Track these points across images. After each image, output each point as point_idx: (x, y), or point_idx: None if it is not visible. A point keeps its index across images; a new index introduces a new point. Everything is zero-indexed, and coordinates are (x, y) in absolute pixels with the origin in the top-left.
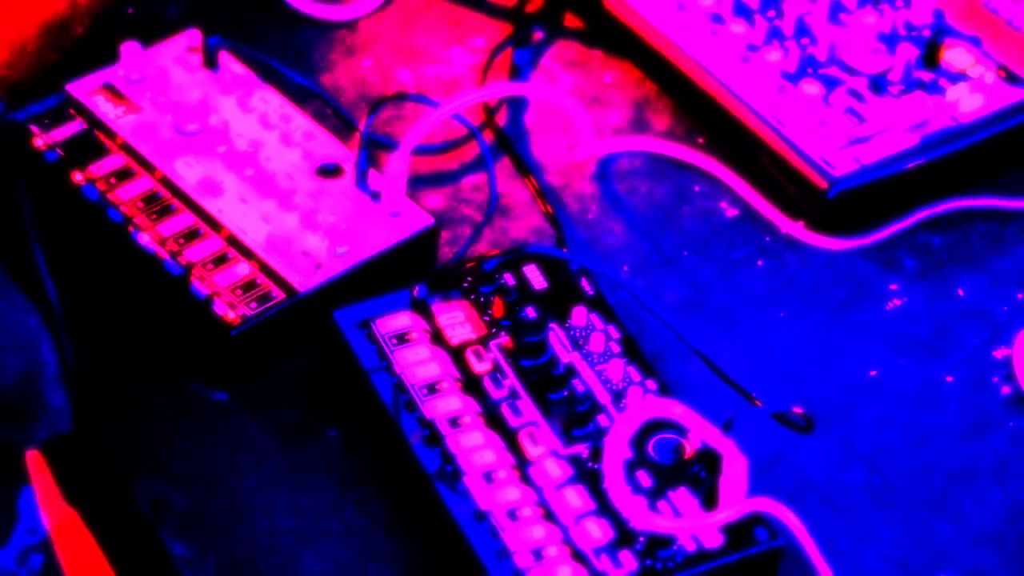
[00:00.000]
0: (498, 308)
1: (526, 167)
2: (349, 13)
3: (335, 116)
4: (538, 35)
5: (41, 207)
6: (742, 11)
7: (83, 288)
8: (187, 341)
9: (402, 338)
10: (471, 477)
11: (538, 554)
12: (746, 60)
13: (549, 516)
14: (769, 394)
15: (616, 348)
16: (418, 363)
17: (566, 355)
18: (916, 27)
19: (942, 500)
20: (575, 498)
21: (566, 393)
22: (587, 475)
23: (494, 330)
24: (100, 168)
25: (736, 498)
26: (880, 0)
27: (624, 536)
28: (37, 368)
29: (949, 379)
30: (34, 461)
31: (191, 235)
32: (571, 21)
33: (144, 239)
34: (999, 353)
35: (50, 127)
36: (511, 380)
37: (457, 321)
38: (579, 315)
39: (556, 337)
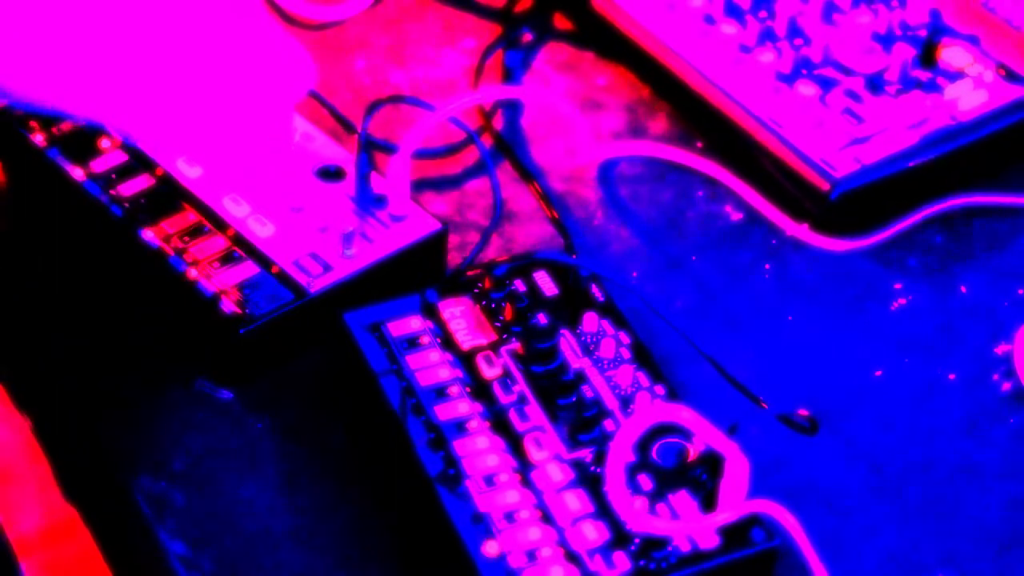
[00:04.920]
0: (509, 314)
1: (529, 172)
2: (336, 14)
3: (332, 118)
4: (528, 36)
5: (42, 205)
6: (733, 12)
7: (85, 286)
8: (193, 339)
9: (413, 342)
10: (473, 480)
11: (532, 555)
12: (739, 62)
13: (547, 519)
14: (775, 396)
15: (626, 354)
16: (428, 367)
17: (576, 361)
18: (912, 27)
19: (943, 498)
20: (574, 501)
21: (574, 399)
22: (588, 479)
23: (505, 336)
24: (100, 164)
25: (736, 500)
26: (874, 0)
27: (620, 538)
28: None
29: (952, 376)
30: (33, 457)
31: (196, 232)
32: (561, 22)
33: (148, 235)
34: (1000, 349)
35: (49, 124)
36: (520, 386)
37: (468, 326)
38: (590, 321)
39: (567, 343)
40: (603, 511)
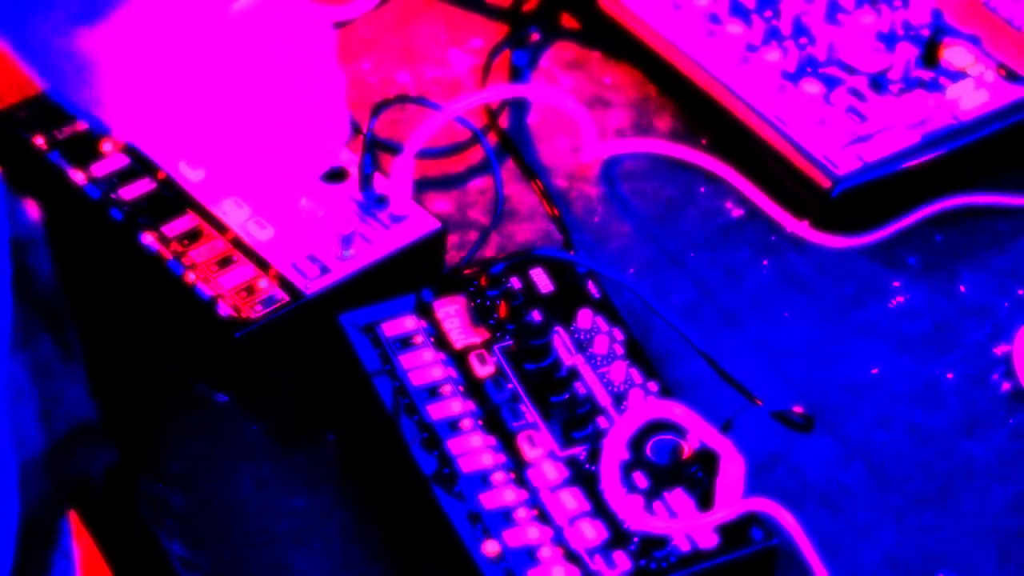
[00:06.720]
0: (503, 312)
1: (531, 170)
2: (343, 14)
3: None
4: (535, 36)
5: (44, 208)
6: (739, 11)
7: (84, 289)
8: (190, 342)
9: (406, 342)
10: (468, 479)
11: (532, 555)
12: (745, 60)
13: (544, 517)
14: (771, 393)
15: (620, 350)
16: (421, 367)
17: (569, 358)
18: (914, 26)
19: (941, 498)
20: (570, 500)
21: (567, 396)
22: (583, 477)
23: (498, 334)
24: (101, 168)
25: (732, 498)
26: (877, 0)
27: (618, 537)
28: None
29: (950, 376)
30: None
31: (195, 236)
32: (567, 21)
33: (147, 239)
34: (999, 350)
35: (51, 127)
36: (513, 384)
37: (462, 325)
38: (584, 318)
39: (560, 340)
40: (600, 510)
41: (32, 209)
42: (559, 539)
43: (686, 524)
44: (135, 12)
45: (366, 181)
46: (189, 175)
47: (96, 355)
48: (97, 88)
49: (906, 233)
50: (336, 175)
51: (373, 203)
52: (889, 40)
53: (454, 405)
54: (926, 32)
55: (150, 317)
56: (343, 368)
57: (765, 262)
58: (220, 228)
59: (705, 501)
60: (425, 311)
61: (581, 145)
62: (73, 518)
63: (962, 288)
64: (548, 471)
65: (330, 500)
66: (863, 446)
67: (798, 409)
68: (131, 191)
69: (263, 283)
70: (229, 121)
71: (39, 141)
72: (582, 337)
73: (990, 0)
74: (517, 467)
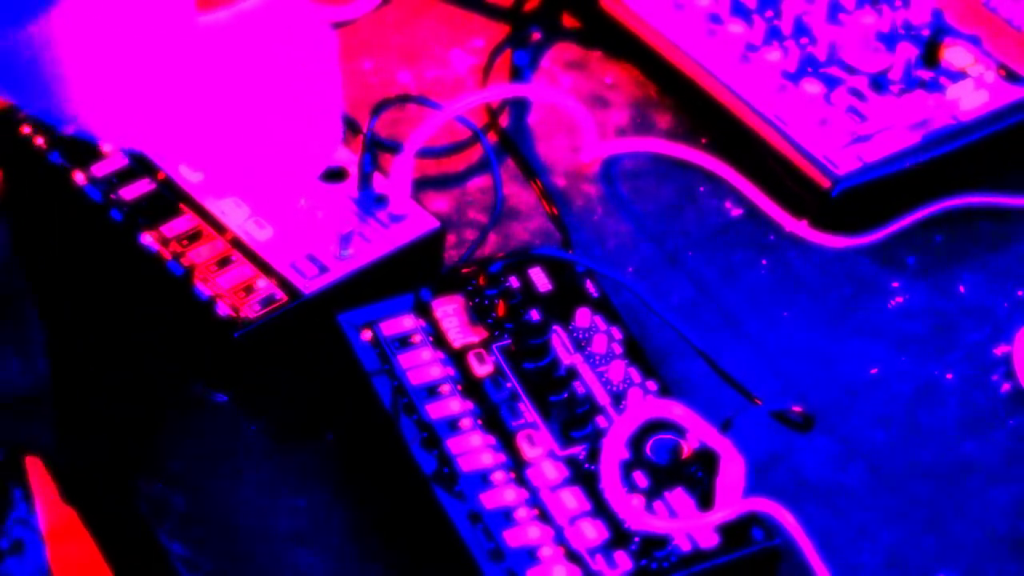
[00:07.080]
0: (502, 311)
1: (531, 169)
2: (345, 14)
3: None
4: (536, 36)
5: (44, 208)
6: (740, 11)
7: (83, 289)
8: (189, 342)
9: (404, 341)
10: (468, 479)
11: (533, 555)
12: (746, 60)
13: (544, 517)
14: (770, 393)
15: (618, 349)
16: (419, 366)
17: (568, 357)
18: (915, 26)
19: (941, 498)
20: (571, 499)
21: (566, 395)
22: (583, 476)
23: (497, 333)
24: (102, 169)
25: (733, 498)
26: (878, 0)
27: (619, 536)
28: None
29: (949, 376)
30: (32, 461)
31: (194, 236)
32: (569, 21)
33: (147, 240)
34: (999, 350)
35: (51, 127)
36: (512, 383)
37: (460, 324)
38: (583, 317)
39: (559, 339)
40: (600, 509)
41: None
42: (560, 539)
43: (687, 524)
44: (73, 10)
45: (365, 180)
46: (189, 175)
47: (96, 355)
48: (60, 90)
49: (906, 233)
50: (335, 175)
51: (372, 202)
52: (889, 40)
53: (453, 404)
54: (926, 32)
55: (150, 317)
56: (342, 368)
57: (764, 262)
58: (219, 228)
59: (705, 501)
60: (423, 310)
61: (581, 144)
62: (73, 517)
63: (962, 288)
64: (548, 470)
65: (330, 500)
66: (863, 446)
67: (798, 409)
68: (131, 191)
69: (261, 283)
70: (227, 121)
71: (39, 141)
72: (581, 336)
73: (990, 0)
74: (517, 466)
